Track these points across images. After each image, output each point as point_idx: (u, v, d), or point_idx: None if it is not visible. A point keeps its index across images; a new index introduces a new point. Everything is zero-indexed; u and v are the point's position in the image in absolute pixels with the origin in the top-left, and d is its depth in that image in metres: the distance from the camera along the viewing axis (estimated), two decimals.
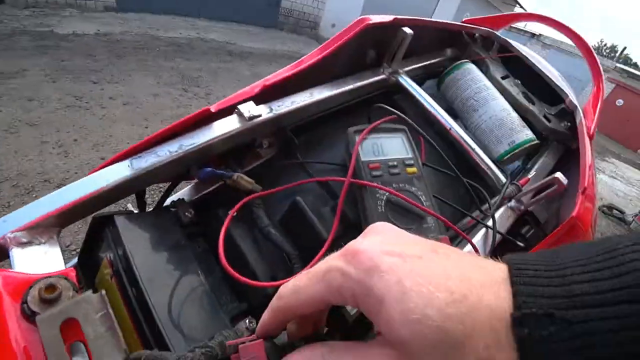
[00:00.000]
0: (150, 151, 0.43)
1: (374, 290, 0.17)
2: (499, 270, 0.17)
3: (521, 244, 0.51)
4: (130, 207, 0.59)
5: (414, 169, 0.45)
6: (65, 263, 0.35)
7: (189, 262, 0.42)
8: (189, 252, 0.43)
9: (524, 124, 0.65)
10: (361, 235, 0.22)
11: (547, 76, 0.77)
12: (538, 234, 0.60)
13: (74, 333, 0.28)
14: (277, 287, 0.43)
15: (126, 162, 0.41)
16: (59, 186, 1.74)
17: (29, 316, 0.24)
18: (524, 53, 0.79)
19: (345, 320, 0.39)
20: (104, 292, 0.31)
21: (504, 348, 0.15)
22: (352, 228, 0.43)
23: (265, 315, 0.23)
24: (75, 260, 0.49)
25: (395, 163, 0.44)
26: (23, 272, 0.27)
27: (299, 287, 0.21)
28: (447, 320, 0.15)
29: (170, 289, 0.39)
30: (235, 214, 0.48)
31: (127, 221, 0.41)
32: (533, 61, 0.79)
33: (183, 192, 0.57)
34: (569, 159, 0.75)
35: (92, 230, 0.43)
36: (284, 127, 0.51)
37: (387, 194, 0.42)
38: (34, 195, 1.66)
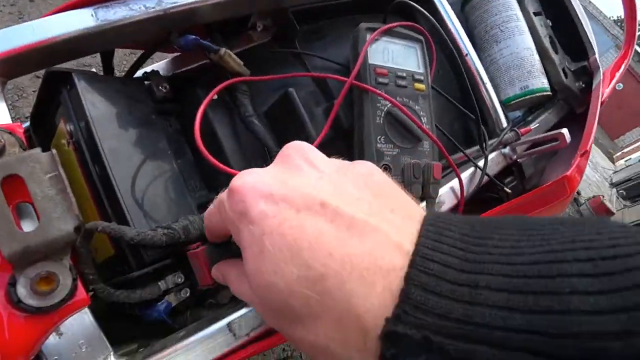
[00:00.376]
0: (120, 1, 0.34)
1: (240, 236, 0.16)
2: (408, 242, 0.13)
3: (507, 190, 0.51)
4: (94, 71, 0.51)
5: (422, 86, 0.40)
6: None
7: (159, 140, 0.38)
8: (159, 129, 0.39)
9: (543, 70, 0.60)
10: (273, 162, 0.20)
11: (582, 26, 0.70)
12: (518, 187, 0.60)
13: (19, 193, 0.24)
14: None
15: (89, 10, 0.33)
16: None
17: None
18: None
19: None
20: (54, 151, 0.27)
21: (367, 353, 0.12)
22: (343, 134, 0.39)
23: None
24: (27, 123, 0.43)
25: (404, 74, 0.39)
26: None
27: (209, 211, 0.21)
28: (291, 297, 0.13)
29: (135, 165, 0.35)
30: (216, 96, 0.42)
31: (88, 82, 0.35)
32: (574, 4, 0.70)
33: (158, 65, 0.49)
34: (569, 123, 0.73)
35: (45, 89, 0.37)
36: (286, 7, 0.43)
37: (389, 105, 0.37)
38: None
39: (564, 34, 0.71)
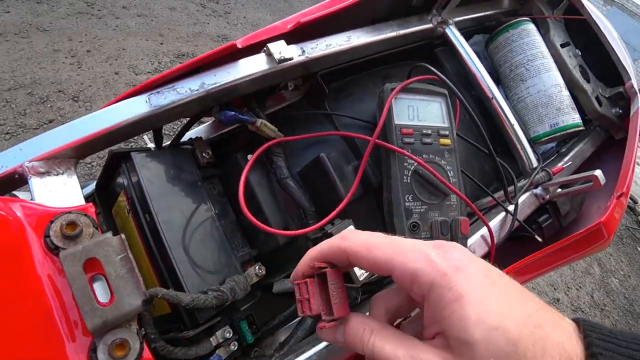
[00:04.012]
0: (169, 87, 0.40)
1: (456, 286, 0.18)
2: (565, 321, 0.18)
3: (539, 239, 0.50)
4: (146, 139, 0.57)
5: (447, 141, 0.42)
6: (83, 189, 0.34)
7: (204, 203, 0.42)
8: (204, 192, 0.43)
9: (574, 105, 0.59)
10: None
11: (614, 52, 0.68)
12: (554, 224, 0.58)
13: (95, 268, 0.28)
14: (290, 236, 0.44)
15: (144, 97, 0.39)
16: (73, 98, 1.71)
17: (52, 249, 0.24)
18: (594, 17, 0.69)
19: (351, 281, 0.40)
20: (123, 236, 0.31)
21: None
22: (372, 192, 0.42)
23: (317, 250, 0.23)
24: (92, 187, 0.49)
25: (429, 132, 0.41)
26: (43, 204, 0.27)
27: (372, 242, 0.21)
28: (521, 338, 0.16)
29: (184, 228, 0.39)
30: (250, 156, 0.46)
31: (144, 158, 0.40)
32: (603, 30, 0.69)
33: (200, 129, 0.55)
34: (609, 149, 0.70)
35: (109, 165, 0.43)
36: (315, 72, 0.47)
37: (415, 164, 0.39)
38: (49, 105, 1.64)
39: (596, 60, 0.70)
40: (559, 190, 0.55)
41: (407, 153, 0.39)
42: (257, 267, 0.43)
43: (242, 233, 0.45)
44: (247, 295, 0.40)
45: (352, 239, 0.22)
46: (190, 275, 0.37)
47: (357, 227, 0.42)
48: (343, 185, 0.40)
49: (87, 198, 0.36)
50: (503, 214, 0.48)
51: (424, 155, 0.40)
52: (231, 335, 0.40)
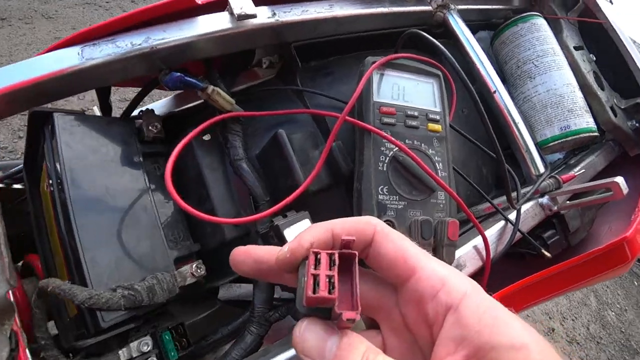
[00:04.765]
0: (109, 39, 0.33)
1: (488, 297, 0.17)
2: None
3: (547, 254, 0.42)
4: (96, 110, 0.51)
5: (437, 127, 0.35)
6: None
7: (140, 183, 0.35)
8: (143, 171, 0.36)
9: (587, 108, 0.52)
10: None
11: (632, 59, 0.62)
12: (561, 242, 0.50)
13: None
14: (240, 232, 0.36)
15: (76, 49, 0.32)
16: None
17: None
18: (611, 22, 0.63)
19: None
20: None
21: None
22: (343, 182, 0.34)
23: (342, 221, 0.19)
24: (21, 165, 0.42)
25: (415, 113, 0.34)
26: None
27: (400, 234, 0.19)
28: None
29: (104, 210, 0.32)
30: (208, 137, 0.39)
31: (68, 120, 0.33)
32: (620, 36, 0.62)
33: (158, 103, 0.48)
34: (622, 166, 0.63)
35: (32, 129, 0.36)
36: (288, 42, 0.40)
37: (395, 149, 0.32)
38: None
39: (611, 69, 0.63)
40: (569, 202, 0.47)
41: (386, 134, 0.32)
42: (194, 266, 0.35)
43: (188, 224, 0.38)
44: (198, 303, 0.32)
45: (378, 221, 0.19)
46: (99, 266, 0.29)
47: None
48: (304, 171, 0.32)
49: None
50: (502, 223, 0.40)
51: (407, 141, 0.33)
52: (149, 348, 0.32)
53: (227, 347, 0.43)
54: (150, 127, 0.38)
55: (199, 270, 0.35)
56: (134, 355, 0.31)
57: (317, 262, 0.16)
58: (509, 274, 0.41)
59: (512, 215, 0.41)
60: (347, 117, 0.32)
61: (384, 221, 0.29)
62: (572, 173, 0.48)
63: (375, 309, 0.20)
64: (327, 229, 0.18)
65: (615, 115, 0.60)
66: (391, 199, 0.31)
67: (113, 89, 0.45)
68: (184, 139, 0.33)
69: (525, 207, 0.43)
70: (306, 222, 0.30)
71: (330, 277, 0.15)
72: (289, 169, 0.32)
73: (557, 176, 0.45)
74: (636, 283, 1.92)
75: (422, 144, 0.33)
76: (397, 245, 0.18)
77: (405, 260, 0.17)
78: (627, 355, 1.60)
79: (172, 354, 0.33)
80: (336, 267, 0.16)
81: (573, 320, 1.59)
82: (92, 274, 0.28)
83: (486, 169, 0.46)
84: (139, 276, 0.31)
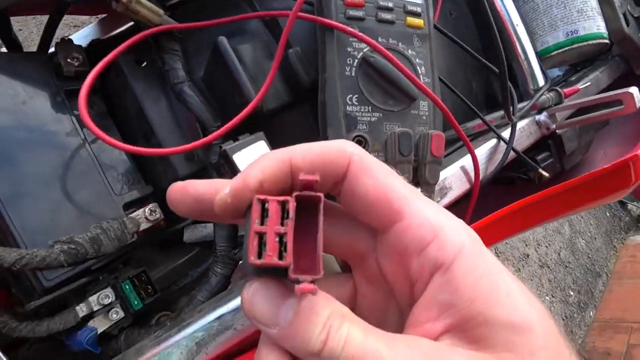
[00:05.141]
0: None
1: (490, 258, 0.13)
2: None
3: (544, 173, 0.38)
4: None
5: (419, 22, 0.28)
6: None
7: (65, 124, 0.30)
8: (68, 114, 0.30)
9: (600, 10, 0.45)
10: None
11: None
12: (555, 165, 0.46)
13: None
14: (191, 165, 0.31)
15: None
16: None
17: None
18: None
19: None
20: None
21: None
22: (306, 98, 0.28)
23: (303, 150, 0.14)
24: None
25: (390, 4, 0.27)
26: None
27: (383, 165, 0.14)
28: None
29: (28, 165, 0.27)
30: (144, 63, 0.33)
31: None
32: None
33: (80, 33, 0.40)
34: (624, 87, 0.57)
35: None
36: None
37: (366, 49, 0.26)
38: None
39: None
40: (568, 120, 0.42)
41: (352, 30, 0.25)
42: (148, 209, 0.31)
43: (138, 167, 0.32)
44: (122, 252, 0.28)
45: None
46: (29, 223, 0.26)
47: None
48: (256, 86, 0.26)
49: None
50: (493, 142, 0.35)
51: (380, 39, 0.26)
52: (111, 300, 0.29)
53: None
54: (69, 60, 0.31)
55: (153, 214, 0.31)
56: (95, 309, 0.29)
57: (265, 214, 0.12)
58: (496, 201, 0.38)
59: (505, 134, 0.36)
60: (301, 14, 0.25)
61: (354, 138, 0.24)
62: (575, 87, 0.42)
63: (347, 253, 0.16)
64: (283, 160, 0.13)
65: (628, 24, 0.53)
66: (362, 110, 0.25)
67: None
68: (100, 62, 0.26)
69: (519, 125, 0.38)
70: (261, 145, 0.25)
71: (281, 236, 0.12)
72: (235, 83, 0.26)
73: (558, 89, 0.39)
74: (607, 214, 2.03)
75: (399, 43, 0.27)
76: (380, 182, 0.14)
77: (389, 201, 0.13)
78: (590, 277, 1.75)
79: (136, 302, 0.31)
80: (290, 221, 0.12)
81: (547, 246, 1.68)
82: (21, 232, 0.25)
83: (476, 84, 0.41)
84: (84, 228, 0.27)
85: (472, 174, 0.31)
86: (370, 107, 0.26)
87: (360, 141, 0.25)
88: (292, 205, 0.12)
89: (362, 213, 0.14)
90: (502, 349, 0.12)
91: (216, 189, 0.13)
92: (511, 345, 0.12)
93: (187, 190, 0.14)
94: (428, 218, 0.13)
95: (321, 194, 0.12)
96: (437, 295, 0.13)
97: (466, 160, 0.32)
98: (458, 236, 0.13)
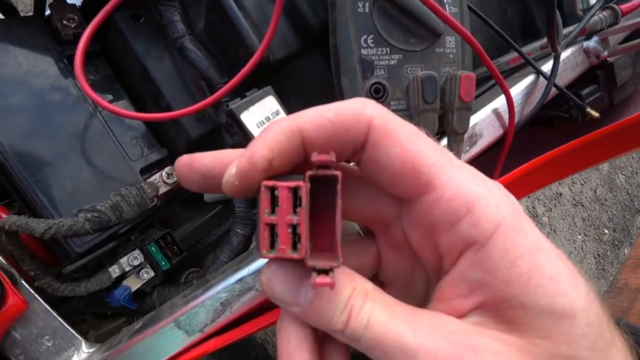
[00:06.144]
0: None
1: (533, 233, 0.12)
2: None
3: (594, 113, 0.33)
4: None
5: None
6: None
7: (71, 96, 0.29)
8: (72, 80, 0.29)
9: None
10: None
11: None
12: (603, 100, 0.41)
13: None
14: (204, 129, 0.31)
15: None
16: None
17: None
18: None
19: None
20: None
21: None
22: (318, 43, 0.26)
23: (310, 115, 0.12)
24: None
25: None
26: None
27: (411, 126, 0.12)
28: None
29: (39, 137, 0.27)
30: (142, 19, 0.30)
31: None
32: None
33: None
34: None
35: None
36: None
37: None
38: None
39: None
40: (622, 45, 0.36)
41: None
42: (165, 172, 0.31)
43: (151, 131, 0.32)
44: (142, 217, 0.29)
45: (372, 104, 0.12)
46: (53, 194, 0.26)
47: (297, 102, 0.27)
48: (260, 34, 0.24)
49: None
50: (530, 79, 0.31)
51: None
52: (140, 260, 0.31)
53: None
54: (65, 22, 0.30)
55: (171, 177, 0.32)
56: (127, 269, 0.31)
57: (275, 201, 0.11)
58: (532, 145, 0.34)
59: (546, 68, 0.31)
60: None
61: (372, 85, 0.22)
62: (635, 1, 0.35)
63: (369, 220, 0.15)
64: (292, 131, 0.12)
65: None
66: (379, 52, 0.22)
67: None
68: (92, 22, 0.24)
69: (563, 56, 0.33)
70: (270, 101, 0.23)
71: (294, 227, 0.11)
72: (237, 33, 0.24)
73: (614, 5, 0.33)
74: None
75: None
76: (406, 150, 0.12)
77: (416, 172, 0.12)
78: (627, 214, 1.64)
79: (163, 263, 0.32)
80: (303, 210, 0.11)
81: (582, 184, 1.58)
82: (47, 203, 0.26)
83: (511, 10, 0.35)
84: (104, 196, 0.28)
85: (505, 118, 0.28)
86: (388, 49, 0.23)
87: (379, 89, 0.22)
88: (304, 192, 0.11)
89: (385, 183, 0.13)
90: (536, 335, 0.11)
91: (223, 163, 0.12)
92: (547, 332, 0.11)
93: (193, 166, 0.13)
94: (461, 189, 0.12)
95: (338, 173, 0.11)
96: (468, 273, 0.12)
97: (499, 102, 0.28)
98: (496, 209, 0.11)
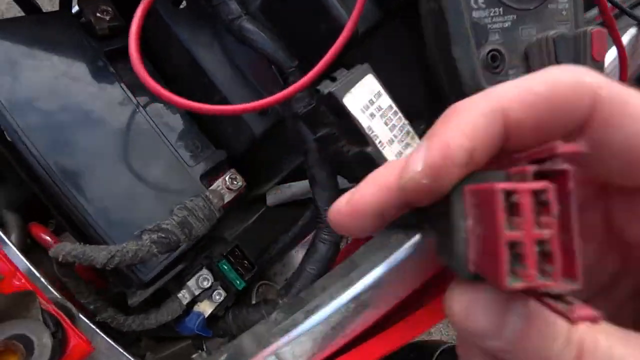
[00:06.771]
0: None
1: None
2: None
3: None
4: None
5: None
6: None
7: (117, 97, 0.25)
8: (115, 79, 0.26)
9: None
10: None
11: None
12: None
13: None
14: (269, 123, 0.26)
15: None
16: None
17: None
18: None
19: None
20: None
21: None
22: (396, 13, 0.22)
23: (528, 85, 0.10)
24: None
25: None
26: None
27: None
28: None
29: (84, 149, 0.23)
30: (183, 4, 0.27)
31: None
32: None
33: None
34: None
35: None
36: None
37: None
38: None
39: None
40: None
41: None
42: (228, 178, 0.28)
43: (203, 130, 0.29)
44: (212, 231, 0.26)
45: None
46: (108, 215, 0.23)
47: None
48: (343, 5, 0.20)
49: None
50: (632, 32, 0.27)
51: None
52: (210, 282, 0.28)
53: (293, 253, 0.39)
54: (99, 15, 0.26)
55: (234, 182, 0.28)
56: (196, 293, 0.27)
57: (511, 209, 0.08)
58: None
59: None
60: None
61: (488, 53, 0.18)
62: None
63: None
64: (494, 113, 0.09)
65: None
66: (492, 14, 0.19)
67: None
68: (140, 4, 0.20)
69: None
70: (369, 80, 0.19)
71: (542, 244, 0.08)
72: (321, 5, 0.20)
73: None
74: None
75: None
76: None
77: None
78: None
79: (237, 282, 0.29)
80: (555, 221, 0.08)
81: None
82: (104, 227, 0.22)
83: None
84: (165, 211, 0.24)
85: (615, 74, 0.24)
86: (501, 9, 0.19)
87: (496, 56, 0.19)
88: (552, 196, 0.08)
89: (615, 172, 0.10)
90: None
91: (388, 187, 0.10)
92: None
93: (361, 211, 0.11)
94: None
95: (571, 168, 0.08)
96: None
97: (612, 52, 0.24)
98: None
